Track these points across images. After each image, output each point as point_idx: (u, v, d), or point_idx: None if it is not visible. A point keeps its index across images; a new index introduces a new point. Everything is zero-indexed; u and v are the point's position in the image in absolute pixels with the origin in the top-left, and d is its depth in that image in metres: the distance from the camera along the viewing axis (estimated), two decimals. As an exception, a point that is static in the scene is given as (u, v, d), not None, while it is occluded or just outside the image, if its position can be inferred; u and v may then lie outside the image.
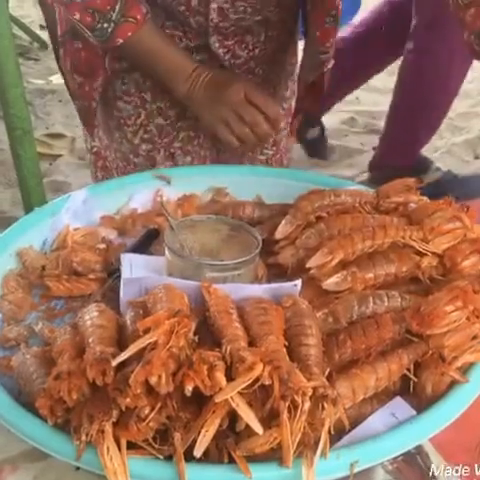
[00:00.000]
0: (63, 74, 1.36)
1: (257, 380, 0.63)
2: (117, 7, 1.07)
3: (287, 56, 1.33)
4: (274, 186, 1.12)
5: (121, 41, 1.10)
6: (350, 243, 0.84)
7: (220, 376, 0.63)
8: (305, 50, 1.28)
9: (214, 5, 1.13)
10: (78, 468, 0.73)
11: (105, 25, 1.08)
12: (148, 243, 1.04)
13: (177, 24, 1.19)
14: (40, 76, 3.49)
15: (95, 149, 1.39)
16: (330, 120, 3.19)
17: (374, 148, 2.98)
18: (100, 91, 1.23)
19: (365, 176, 2.64)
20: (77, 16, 1.07)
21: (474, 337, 0.75)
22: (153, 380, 0.62)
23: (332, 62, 1.27)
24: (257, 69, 1.28)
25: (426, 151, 2.96)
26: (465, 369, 0.76)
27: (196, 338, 0.67)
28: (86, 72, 1.22)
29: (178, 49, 1.18)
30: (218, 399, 0.62)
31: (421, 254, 0.85)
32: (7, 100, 1.65)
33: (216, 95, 1.14)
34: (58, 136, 2.99)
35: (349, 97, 3.33)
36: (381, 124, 3.28)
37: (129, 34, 1.10)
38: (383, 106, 3.46)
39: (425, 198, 0.96)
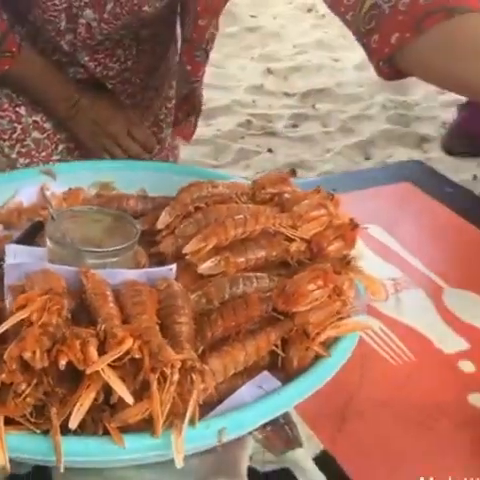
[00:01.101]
0: None
1: (127, 353, 0.67)
2: None
3: (166, 62, 1.35)
4: (159, 180, 1.16)
5: None
6: (223, 230, 0.88)
7: (92, 350, 0.66)
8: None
9: (83, 20, 1.14)
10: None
11: None
12: (33, 235, 1.06)
13: (47, 40, 1.21)
14: None
15: None
16: (226, 123, 3.26)
17: (269, 150, 3.07)
18: None
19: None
20: None
21: (335, 313, 0.81)
22: (27, 355, 0.65)
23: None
24: (133, 78, 1.30)
25: (318, 153, 3.06)
26: (329, 344, 0.81)
27: (69, 316, 0.71)
28: None
29: (57, 76, 1.21)
30: (89, 371, 0.65)
31: (290, 240, 0.90)
32: None
33: (99, 129, 1.18)
34: None
35: (245, 100, 3.41)
36: (277, 126, 3.38)
37: (6, 67, 1.12)
38: (278, 109, 3.57)
39: (298, 189, 1.01)
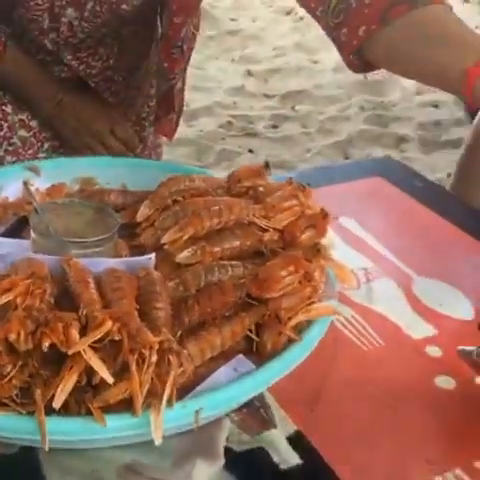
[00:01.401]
0: None
1: (107, 335, 0.71)
2: None
3: (148, 60, 1.39)
4: (139, 176, 1.19)
5: None
6: (199, 221, 0.92)
7: (74, 333, 0.70)
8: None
9: (65, 19, 1.18)
10: None
11: None
12: (19, 230, 1.09)
13: (31, 40, 1.24)
14: None
15: None
16: (208, 124, 3.29)
17: (250, 150, 3.10)
18: None
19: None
20: None
21: (307, 298, 0.85)
22: (12, 337, 0.69)
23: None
24: (116, 77, 1.33)
25: (298, 153, 3.10)
26: (301, 328, 0.85)
27: (52, 300, 0.74)
28: None
29: (42, 75, 1.24)
30: (71, 351, 0.68)
31: (264, 230, 0.94)
32: None
33: (83, 128, 1.21)
34: None
35: (226, 101, 3.45)
36: (257, 128, 3.42)
37: None
38: (258, 111, 3.61)
39: (272, 181, 1.05)
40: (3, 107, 1.29)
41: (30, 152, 1.32)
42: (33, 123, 1.31)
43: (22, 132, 1.31)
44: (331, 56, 3.88)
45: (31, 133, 1.31)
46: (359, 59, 1.08)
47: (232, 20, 4.74)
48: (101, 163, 1.25)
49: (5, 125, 1.30)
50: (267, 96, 3.81)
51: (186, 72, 1.36)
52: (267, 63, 4.23)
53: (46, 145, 1.33)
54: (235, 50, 4.41)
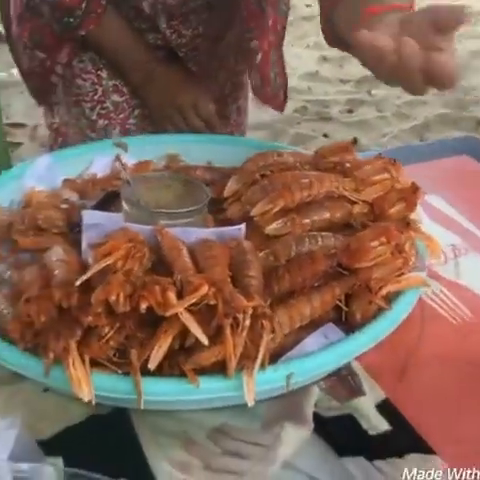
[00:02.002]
0: (15, 55, 1.41)
1: (203, 299, 0.72)
2: (83, 4, 1.16)
3: (231, 31, 1.39)
4: (225, 153, 1.21)
5: (83, 33, 1.18)
6: (289, 193, 0.93)
7: (171, 295, 0.72)
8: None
9: None
10: (46, 390, 0.82)
11: (71, 19, 1.16)
12: (107, 204, 1.11)
13: (130, 6, 1.27)
14: (1, 69, 3.54)
15: (55, 126, 1.45)
16: (284, 108, 3.28)
17: (325, 135, 3.09)
18: (64, 63, 1.30)
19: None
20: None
21: (397, 269, 0.85)
22: (112, 299, 0.71)
23: (259, 57, 1.31)
24: (202, 45, 1.34)
25: (374, 137, 3.07)
26: (391, 299, 0.85)
27: (150, 264, 0.76)
28: (51, 45, 1.29)
29: (137, 43, 1.26)
30: (168, 313, 0.70)
31: (353, 203, 0.94)
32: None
33: (168, 99, 1.24)
34: (19, 125, 3.04)
35: (301, 87, 3.44)
36: (331, 112, 3.40)
37: (91, 27, 1.18)
38: (333, 95, 3.59)
39: (360, 157, 1.05)
40: (98, 72, 1.32)
41: (121, 117, 1.35)
42: (126, 89, 1.34)
43: (115, 97, 1.34)
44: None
45: (123, 98, 1.34)
46: (330, 29, 1.08)
47: (307, 6, 4.72)
48: (187, 140, 1.27)
49: (99, 89, 1.33)
50: (342, 81, 3.78)
51: (281, 49, 1.37)
52: (342, 48, 4.19)
53: (136, 111, 1.36)
54: (310, 36, 4.38)
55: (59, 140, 1.45)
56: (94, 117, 1.36)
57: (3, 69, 3.49)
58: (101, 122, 1.36)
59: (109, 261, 0.72)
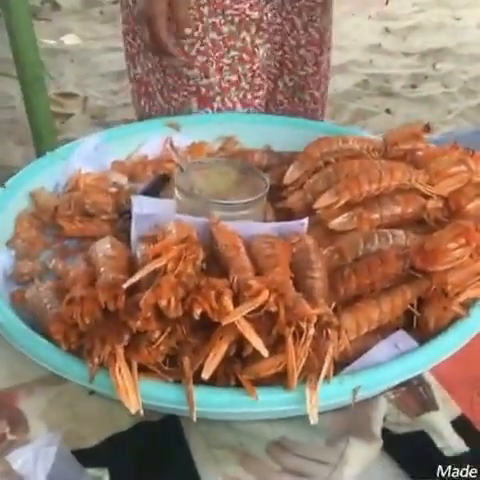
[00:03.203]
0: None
1: (263, 306, 0.65)
2: None
3: None
4: (284, 135, 1.14)
5: None
6: (357, 185, 0.85)
7: (227, 301, 0.65)
8: None
9: None
10: (91, 393, 0.76)
11: None
12: (158, 188, 1.05)
13: None
14: (52, 36, 3.50)
15: (137, 76, 1.41)
16: (343, 82, 3.20)
17: (387, 110, 2.99)
18: None
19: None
20: None
21: (477, 274, 0.77)
22: (162, 303, 0.65)
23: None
24: None
25: (439, 114, 2.96)
26: (468, 305, 0.77)
27: (204, 265, 0.70)
28: None
29: None
30: (225, 322, 0.64)
31: (427, 197, 0.86)
32: (18, 46, 1.63)
33: None
34: (70, 95, 3.00)
35: (362, 59, 3.33)
36: (394, 87, 3.29)
37: None
38: (396, 69, 3.47)
39: (433, 145, 0.97)
40: (201, 8, 1.29)
41: (217, 55, 1.32)
42: (224, 28, 1.31)
43: (213, 35, 1.31)
44: (475, 12, 3.67)
45: (221, 37, 1.32)
46: None
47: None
48: (243, 120, 1.20)
49: (200, 26, 1.30)
50: (406, 54, 3.65)
51: None
52: (406, 20, 4.05)
53: (231, 53, 1.33)
54: (372, 6, 4.24)
55: (142, 90, 1.40)
56: (193, 53, 1.32)
57: (53, 37, 3.45)
58: (200, 58, 1.32)
59: (159, 264, 0.66)
